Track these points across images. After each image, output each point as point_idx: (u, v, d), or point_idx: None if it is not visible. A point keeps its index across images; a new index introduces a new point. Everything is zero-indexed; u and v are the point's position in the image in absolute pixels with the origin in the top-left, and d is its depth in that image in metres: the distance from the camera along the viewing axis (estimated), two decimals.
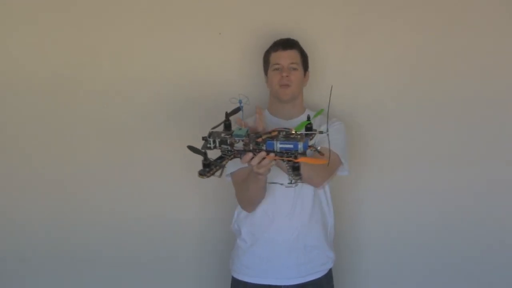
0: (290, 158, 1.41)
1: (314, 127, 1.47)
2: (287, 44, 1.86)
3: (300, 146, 1.39)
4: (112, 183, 2.17)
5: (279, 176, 1.75)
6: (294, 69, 1.84)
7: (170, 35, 2.09)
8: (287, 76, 1.81)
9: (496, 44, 2.10)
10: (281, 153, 1.42)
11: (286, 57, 1.84)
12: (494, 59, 2.11)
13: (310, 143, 1.53)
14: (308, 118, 1.46)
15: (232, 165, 1.66)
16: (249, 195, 1.76)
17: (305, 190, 1.80)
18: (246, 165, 1.47)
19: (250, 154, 1.44)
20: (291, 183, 1.47)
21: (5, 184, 2.17)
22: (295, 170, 1.44)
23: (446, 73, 2.12)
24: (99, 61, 2.11)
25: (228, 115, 1.51)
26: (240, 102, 1.49)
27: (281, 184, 1.77)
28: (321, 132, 1.49)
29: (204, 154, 1.43)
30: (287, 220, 1.81)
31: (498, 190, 2.17)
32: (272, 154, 1.42)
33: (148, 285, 2.24)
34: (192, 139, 1.51)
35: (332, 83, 2.07)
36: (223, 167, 1.46)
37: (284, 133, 1.44)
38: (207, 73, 2.11)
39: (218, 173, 1.46)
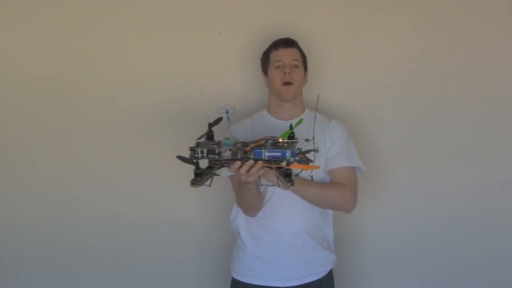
0: (279, 165, 1.45)
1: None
2: (288, 42, 1.86)
3: (288, 154, 1.42)
4: (112, 184, 2.17)
5: None
6: (296, 66, 1.83)
7: (170, 35, 2.10)
8: (289, 73, 1.80)
9: (497, 44, 2.10)
10: (269, 162, 1.45)
11: (288, 55, 1.83)
12: (495, 59, 2.11)
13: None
14: (291, 127, 1.50)
15: None
16: (245, 203, 1.78)
17: None
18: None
19: (239, 163, 1.47)
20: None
21: (5, 185, 2.17)
22: (287, 176, 1.48)
23: (446, 73, 2.12)
24: (98, 62, 2.11)
25: (210, 125, 1.54)
26: (227, 112, 1.52)
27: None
28: (307, 140, 1.52)
29: (196, 164, 1.46)
30: (286, 221, 1.80)
31: (500, 190, 2.16)
32: (260, 162, 1.45)
33: (148, 285, 2.24)
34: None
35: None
36: (213, 176, 1.50)
37: (271, 141, 1.48)
38: (207, 73, 2.11)
39: (208, 182, 1.50)
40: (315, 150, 1.67)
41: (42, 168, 2.16)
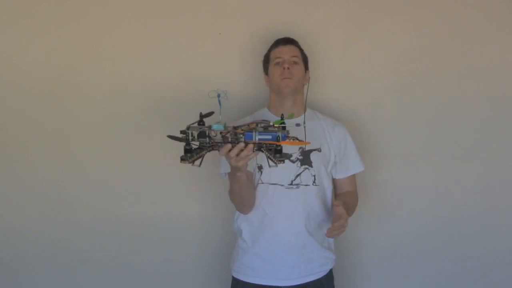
0: (269, 142, 1.46)
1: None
2: (288, 40, 1.88)
3: (279, 137, 1.44)
4: (112, 184, 2.17)
5: (279, 176, 1.76)
6: (295, 63, 1.84)
7: (170, 35, 2.10)
8: (288, 69, 1.81)
9: (497, 44, 2.10)
10: (260, 145, 1.47)
11: (287, 51, 1.85)
12: (495, 59, 2.11)
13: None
14: (282, 117, 1.50)
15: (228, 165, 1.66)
16: (236, 196, 1.77)
17: (306, 191, 1.80)
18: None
19: (229, 145, 1.47)
20: (275, 164, 1.51)
21: (5, 185, 2.17)
22: (277, 152, 1.49)
23: (446, 73, 2.12)
24: (98, 62, 2.11)
25: (202, 116, 1.53)
26: (218, 96, 1.51)
27: (282, 185, 1.78)
28: (298, 125, 1.52)
29: (186, 140, 1.47)
30: (287, 220, 1.80)
31: (500, 190, 2.17)
32: (250, 145, 1.46)
33: (148, 285, 2.24)
34: None
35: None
36: (203, 156, 1.50)
37: (262, 125, 1.48)
38: (207, 73, 2.11)
39: (197, 162, 1.50)
40: (318, 150, 1.67)
41: (42, 168, 2.16)
